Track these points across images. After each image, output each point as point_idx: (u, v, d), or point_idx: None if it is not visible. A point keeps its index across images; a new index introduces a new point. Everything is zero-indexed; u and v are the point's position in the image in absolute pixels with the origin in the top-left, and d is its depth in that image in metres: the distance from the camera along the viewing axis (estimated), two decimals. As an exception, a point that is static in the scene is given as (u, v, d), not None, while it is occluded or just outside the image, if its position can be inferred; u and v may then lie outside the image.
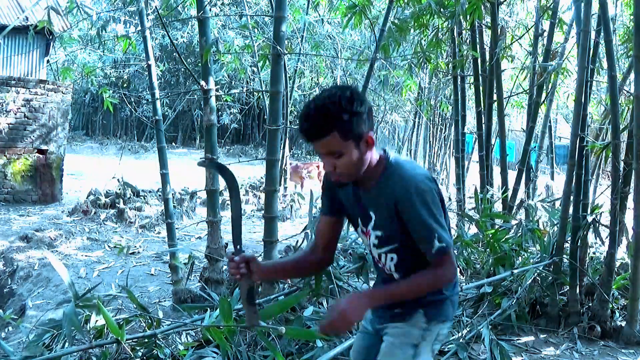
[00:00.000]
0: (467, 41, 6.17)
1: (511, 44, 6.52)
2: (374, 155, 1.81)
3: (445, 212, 1.82)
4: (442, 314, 1.87)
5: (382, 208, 1.81)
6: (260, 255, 4.27)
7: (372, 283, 4.26)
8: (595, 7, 4.31)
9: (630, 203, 4.04)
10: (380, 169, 1.82)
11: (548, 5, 5.78)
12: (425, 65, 5.93)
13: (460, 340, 3.56)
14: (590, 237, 4.48)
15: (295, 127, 19.10)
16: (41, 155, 9.26)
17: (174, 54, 18.18)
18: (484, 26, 5.94)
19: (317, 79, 15.83)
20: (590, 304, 4.22)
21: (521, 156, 5.86)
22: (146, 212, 7.96)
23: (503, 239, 4.54)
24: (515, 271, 4.17)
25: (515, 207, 5.59)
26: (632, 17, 4.43)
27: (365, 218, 1.88)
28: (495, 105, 5.76)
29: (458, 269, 4.88)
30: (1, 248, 6.36)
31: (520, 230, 4.79)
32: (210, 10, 5.17)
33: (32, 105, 9.09)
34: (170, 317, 4.03)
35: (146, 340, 2.97)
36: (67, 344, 2.87)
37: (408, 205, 1.73)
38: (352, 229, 4.15)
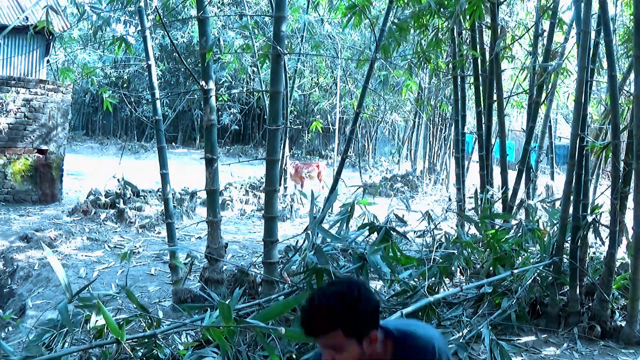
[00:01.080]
0: (467, 41, 6.17)
1: (511, 44, 6.51)
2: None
3: None
4: None
5: None
6: (260, 255, 4.28)
7: (372, 283, 4.27)
8: (595, 7, 4.31)
9: (630, 203, 4.04)
10: (389, 349, 1.77)
11: (548, 5, 5.77)
12: (425, 65, 5.93)
13: (460, 340, 3.56)
14: (590, 237, 4.49)
15: (296, 126, 19.02)
16: (41, 155, 9.26)
17: (174, 54, 18.17)
18: (484, 26, 5.93)
19: (317, 79, 15.83)
20: (590, 304, 4.22)
21: (521, 156, 5.86)
22: (146, 212, 7.96)
23: (503, 239, 4.54)
24: (515, 271, 4.16)
25: (515, 207, 5.59)
26: (632, 17, 4.43)
27: None
28: (495, 105, 5.76)
29: (458, 269, 4.91)
30: (1, 248, 6.36)
31: (520, 230, 4.79)
32: (210, 10, 5.16)
33: (32, 105, 9.09)
34: (170, 317, 4.03)
35: (146, 340, 2.97)
36: (66, 344, 2.87)
37: None
38: (352, 227, 4.18)
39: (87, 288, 3.15)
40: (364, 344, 1.68)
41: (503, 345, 3.49)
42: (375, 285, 4.54)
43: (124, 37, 5.56)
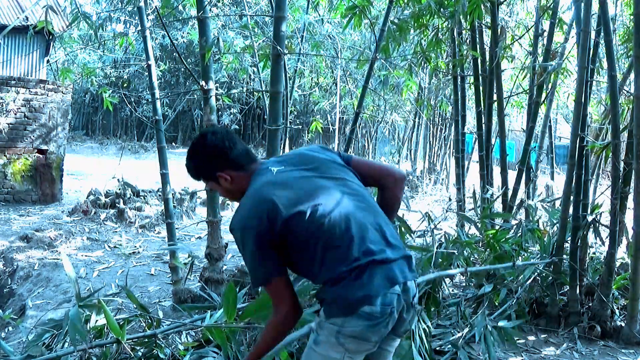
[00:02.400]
0: (467, 41, 6.16)
1: (511, 44, 6.51)
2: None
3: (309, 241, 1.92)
4: (332, 312, 1.93)
5: None
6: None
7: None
8: (595, 7, 4.31)
9: (630, 203, 4.04)
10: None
11: (548, 5, 5.77)
12: (425, 65, 5.92)
13: (460, 341, 3.56)
14: (590, 237, 4.48)
15: (296, 126, 19.01)
16: (41, 155, 9.26)
17: (174, 54, 18.17)
18: (484, 26, 5.93)
19: (317, 79, 15.82)
20: (590, 304, 4.23)
21: (521, 156, 5.85)
22: (146, 212, 7.96)
23: (503, 239, 4.53)
24: (518, 262, 4.13)
25: (515, 207, 5.58)
26: (632, 17, 4.43)
27: None
28: (495, 105, 5.75)
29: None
30: (1, 248, 6.36)
31: (520, 230, 4.79)
32: (210, 10, 5.16)
33: (32, 105, 9.09)
34: (170, 317, 4.03)
35: (146, 340, 2.97)
36: (66, 344, 2.87)
37: None
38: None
39: (89, 288, 3.15)
40: (221, 183, 2.04)
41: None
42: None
43: (123, 34, 5.56)
